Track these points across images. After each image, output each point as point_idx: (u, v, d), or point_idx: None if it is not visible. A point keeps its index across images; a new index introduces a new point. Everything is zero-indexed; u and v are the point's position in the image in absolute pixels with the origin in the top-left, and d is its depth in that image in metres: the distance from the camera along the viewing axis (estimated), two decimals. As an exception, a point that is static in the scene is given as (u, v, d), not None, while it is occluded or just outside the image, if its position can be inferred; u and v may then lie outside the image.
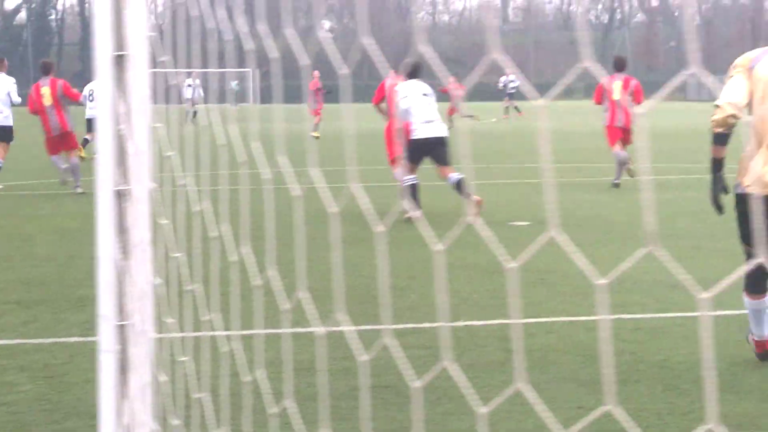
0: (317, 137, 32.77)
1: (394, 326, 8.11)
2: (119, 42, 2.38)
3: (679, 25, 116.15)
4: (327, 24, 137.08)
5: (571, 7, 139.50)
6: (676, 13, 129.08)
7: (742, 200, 6.82)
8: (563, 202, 15.90)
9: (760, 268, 6.01)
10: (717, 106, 6.70)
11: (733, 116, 6.60)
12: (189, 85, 53.35)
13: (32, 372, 7.12)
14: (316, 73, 34.81)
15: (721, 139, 6.73)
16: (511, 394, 6.34)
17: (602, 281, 1.51)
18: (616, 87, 19.14)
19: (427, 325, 8.18)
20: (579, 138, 31.17)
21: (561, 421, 6.04)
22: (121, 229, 2.45)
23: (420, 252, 11.38)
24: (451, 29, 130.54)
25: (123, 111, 2.37)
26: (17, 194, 19.09)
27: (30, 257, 11.82)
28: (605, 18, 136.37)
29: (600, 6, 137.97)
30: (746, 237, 6.83)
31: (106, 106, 2.42)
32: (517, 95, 52.90)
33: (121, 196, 2.43)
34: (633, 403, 6.20)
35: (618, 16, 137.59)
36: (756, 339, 7.04)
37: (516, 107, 52.97)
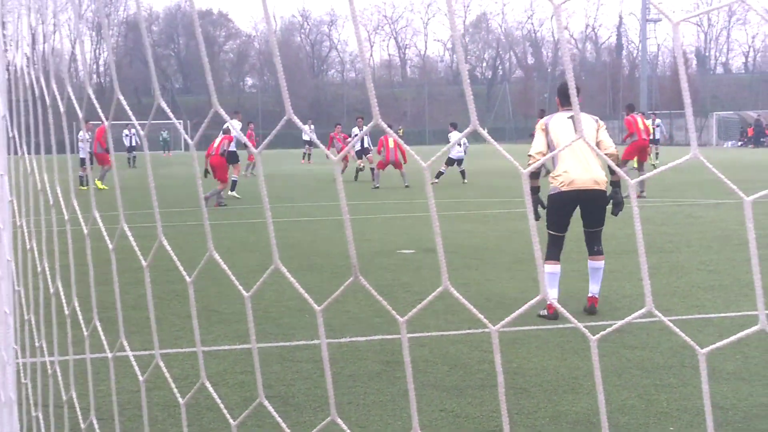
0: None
1: (288, 343, 8.06)
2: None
3: (550, 79, 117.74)
4: (249, 80, 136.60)
5: (459, 65, 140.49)
6: (549, 69, 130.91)
7: (553, 198, 8.87)
8: (444, 232, 15.99)
9: (560, 242, 8.99)
10: (530, 156, 8.83)
11: (537, 161, 8.22)
12: (127, 135, 52.88)
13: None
14: (339, 126, 34.02)
15: (533, 175, 9.09)
16: (386, 400, 6.35)
17: (403, 319, 1.45)
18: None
19: (317, 341, 8.13)
20: (468, 176, 31.36)
21: (425, 423, 6.05)
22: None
23: (314, 277, 11.36)
24: (358, 84, 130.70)
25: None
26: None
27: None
28: (489, 74, 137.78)
29: (484, 64, 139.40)
30: (553, 225, 8.97)
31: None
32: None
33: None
34: (489, 405, 6.21)
35: (500, 72, 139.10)
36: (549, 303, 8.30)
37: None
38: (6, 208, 2.39)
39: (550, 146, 8.85)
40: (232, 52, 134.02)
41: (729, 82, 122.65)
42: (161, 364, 1.59)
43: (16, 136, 2.28)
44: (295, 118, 1.32)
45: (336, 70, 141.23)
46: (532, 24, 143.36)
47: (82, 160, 29.30)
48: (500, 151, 1.25)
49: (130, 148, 50.90)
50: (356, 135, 30.90)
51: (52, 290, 2.27)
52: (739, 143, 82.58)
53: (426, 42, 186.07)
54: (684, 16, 1.21)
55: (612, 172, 9.13)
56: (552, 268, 8.96)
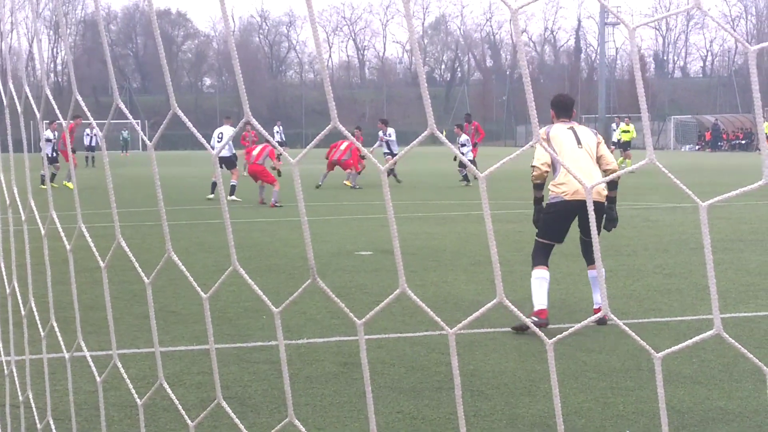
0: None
1: (245, 344, 8.04)
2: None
3: (509, 82, 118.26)
4: (208, 81, 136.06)
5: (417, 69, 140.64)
6: (508, 72, 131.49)
7: (555, 206, 8.69)
8: (402, 233, 16.01)
9: (549, 250, 8.86)
10: (534, 167, 8.60)
11: (546, 171, 8.61)
12: (87, 134, 52.45)
13: None
14: (358, 131, 33.52)
15: (539, 186, 8.79)
16: (343, 402, 6.35)
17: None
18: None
19: (273, 342, 8.11)
20: (422, 177, 31.44)
21: (382, 425, 6.05)
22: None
23: (271, 278, 11.33)
24: (317, 85, 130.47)
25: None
26: None
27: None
28: (448, 76, 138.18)
29: (443, 66, 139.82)
30: (548, 234, 8.82)
31: None
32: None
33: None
34: (446, 407, 6.22)
35: (458, 75, 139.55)
36: (537, 308, 8.55)
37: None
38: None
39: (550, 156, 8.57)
40: (190, 52, 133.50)
41: (687, 86, 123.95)
42: (119, 364, 1.59)
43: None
44: (254, 120, 1.32)
45: (295, 71, 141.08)
46: (491, 26, 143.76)
47: (50, 159, 29.54)
48: (458, 155, 1.26)
49: (90, 148, 50.56)
50: (383, 138, 30.82)
51: (8, 290, 2.25)
52: (697, 147, 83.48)
53: (385, 44, 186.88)
54: (641, 22, 1.22)
55: (610, 187, 9.06)
56: (542, 273, 8.67)
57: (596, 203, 8.65)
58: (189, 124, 1.32)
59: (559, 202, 8.67)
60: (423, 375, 7.03)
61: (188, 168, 46.05)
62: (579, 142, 8.72)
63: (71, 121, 30.40)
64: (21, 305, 2.36)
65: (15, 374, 2.36)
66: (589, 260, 9.00)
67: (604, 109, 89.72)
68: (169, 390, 1.61)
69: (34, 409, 2.40)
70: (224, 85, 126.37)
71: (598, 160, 8.76)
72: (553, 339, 1.18)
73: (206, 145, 1.50)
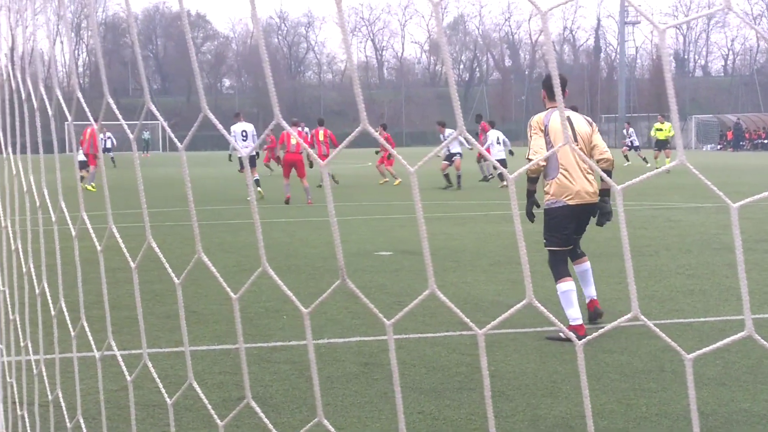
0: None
1: (265, 344, 8.06)
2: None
3: (527, 82, 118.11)
4: (227, 82, 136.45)
5: (437, 67, 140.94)
6: (526, 72, 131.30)
7: (559, 212, 8.39)
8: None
9: (565, 256, 8.52)
10: (529, 159, 8.37)
11: (543, 166, 8.44)
12: (102, 138, 52.70)
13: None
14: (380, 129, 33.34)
15: (533, 180, 8.70)
16: (364, 402, 6.36)
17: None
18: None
19: (294, 343, 8.13)
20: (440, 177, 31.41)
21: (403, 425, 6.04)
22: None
23: (292, 278, 11.35)
24: (335, 86, 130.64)
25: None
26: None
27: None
28: (466, 76, 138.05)
29: (462, 66, 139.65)
30: (557, 240, 8.46)
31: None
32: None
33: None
34: (467, 408, 6.22)
35: (477, 75, 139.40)
36: (572, 324, 8.24)
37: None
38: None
39: (547, 148, 8.31)
40: (209, 53, 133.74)
41: (708, 85, 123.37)
42: (149, 364, 1.60)
43: (0, 138, 2.28)
44: (284, 123, 1.33)
45: (313, 72, 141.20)
46: (510, 26, 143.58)
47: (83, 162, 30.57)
48: (485, 155, 1.27)
49: (106, 150, 50.76)
50: (447, 139, 30.64)
51: (38, 290, 2.27)
52: (718, 147, 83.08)
53: (403, 44, 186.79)
54: (670, 23, 1.22)
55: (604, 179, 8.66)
56: (570, 285, 8.27)
57: (595, 205, 8.48)
58: (220, 126, 1.33)
59: (563, 206, 8.34)
60: (444, 375, 7.03)
61: (207, 168, 46.19)
62: (575, 136, 8.43)
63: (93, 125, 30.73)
64: (50, 305, 2.38)
65: (44, 373, 2.38)
66: (575, 255, 8.68)
67: (624, 108, 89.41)
68: (198, 389, 1.62)
69: (63, 409, 2.41)
70: (243, 86, 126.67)
71: (592, 149, 8.48)
72: (583, 340, 1.18)
73: (237, 146, 1.51)
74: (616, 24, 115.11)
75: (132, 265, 1.70)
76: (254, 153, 25.56)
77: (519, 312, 6.06)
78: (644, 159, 42.32)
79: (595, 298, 8.72)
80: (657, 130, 39.76)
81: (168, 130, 1.38)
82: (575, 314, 8.18)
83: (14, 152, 2.27)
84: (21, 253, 2.40)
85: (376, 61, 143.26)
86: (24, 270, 2.35)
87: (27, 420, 2.44)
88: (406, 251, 13.89)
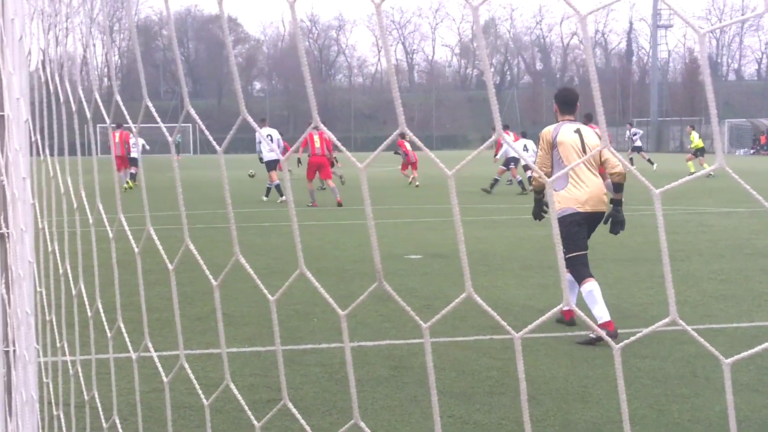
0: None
1: (296, 347, 8.08)
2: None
3: (558, 86, 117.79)
4: (258, 85, 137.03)
5: (467, 70, 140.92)
6: (558, 75, 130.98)
7: (571, 220, 8.44)
8: (451, 238, 16.00)
9: (586, 259, 8.49)
10: (534, 177, 9.18)
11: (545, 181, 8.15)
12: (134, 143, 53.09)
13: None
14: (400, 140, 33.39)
15: (539, 193, 9.10)
16: (394, 405, 6.37)
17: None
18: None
19: (324, 345, 8.15)
20: (472, 182, 31.36)
21: (433, 429, 6.03)
22: (4, 267, 2.40)
23: (322, 281, 11.37)
24: (365, 89, 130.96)
25: (2, 164, 2.33)
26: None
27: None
28: (497, 79, 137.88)
29: (492, 69, 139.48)
30: (574, 246, 8.44)
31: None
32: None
33: (3, 239, 2.39)
34: (497, 412, 6.21)
35: (508, 78, 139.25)
36: (601, 322, 8.20)
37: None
38: (29, 210, 2.41)
39: (556, 162, 8.57)
40: (240, 56, 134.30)
41: (741, 89, 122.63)
42: (186, 365, 1.61)
43: (39, 140, 2.30)
44: (323, 126, 1.33)
45: (344, 75, 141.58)
46: (541, 29, 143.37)
47: (133, 160, 31.72)
48: (524, 159, 1.27)
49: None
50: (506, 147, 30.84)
51: (74, 291, 2.29)
52: (752, 151, 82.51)
53: (434, 47, 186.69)
54: (709, 27, 1.22)
55: (616, 189, 8.61)
56: (593, 285, 8.30)
57: (603, 213, 8.59)
58: (258, 129, 1.34)
59: (573, 214, 8.45)
60: (474, 379, 7.02)
61: (237, 171, 46.32)
62: (584, 149, 8.52)
63: (120, 129, 31.30)
64: (87, 306, 2.40)
65: (80, 374, 2.40)
66: (587, 273, 8.51)
67: (656, 112, 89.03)
68: (235, 390, 1.63)
69: (99, 409, 2.44)
70: (274, 89, 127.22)
71: (603, 163, 8.61)
72: (621, 344, 1.18)
73: (275, 149, 1.51)
74: (649, 27, 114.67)
75: (170, 266, 1.71)
76: (277, 158, 25.70)
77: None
78: (649, 160, 41.96)
79: (610, 319, 8.26)
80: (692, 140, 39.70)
81: (206, 132, 1.39)
82: (601, 312, 8.14)
83: (51, 154, 2.30)
84: (57, 255, 2.42)
85: (406, 65, 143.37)
86: (60, 271, 2.37)
87: (63, 420, 2.46)
88: (436, 254, 13.88)
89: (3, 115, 2.34)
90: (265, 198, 25.91)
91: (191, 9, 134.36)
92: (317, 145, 23.76)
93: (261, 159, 30.72)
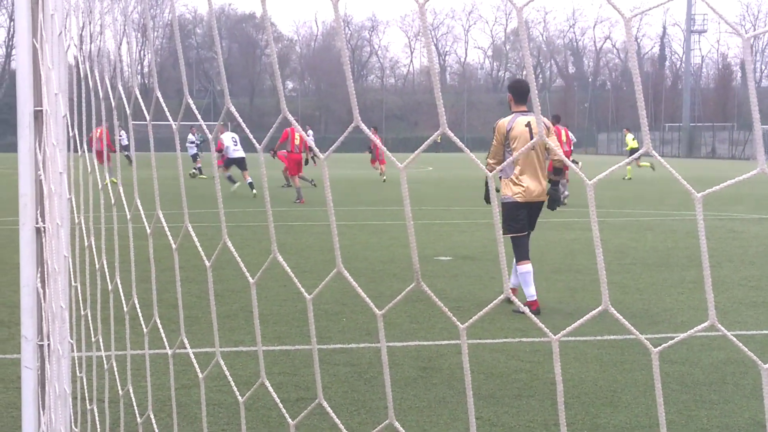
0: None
1: (325, 346, 8.08)
2: (37, 98, 2.36)
3: (591, 90, 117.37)
4: (290, 84, 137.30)
5: (499, 73, 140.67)
6: (590, 79, 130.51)
7: (510, 206, 9.51)
8: (481, 240, 15.98)
9: (524, 241, 9.61)
10: (489, 163, 9.59)
11: (495, 167, 8.70)
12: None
13: None
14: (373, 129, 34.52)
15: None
16: (423, 406, 6.36)
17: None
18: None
19: (353, 345, 8.15)
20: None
21: (462, 431, 6.04)
22: (39, 261, 2.41)
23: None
24: (397, 90, 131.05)
25: (40, 159, 2.34)
26: None
27: None
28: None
29: (524, 72, 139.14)
30: (512, 228, 9.54)
31: (27, 154, 2.40)
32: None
33: (39, 233, 2.40)
34: (525, 415, 6.19)
35: (540, 81, 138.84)
36: (528, 300, 9.56)
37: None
38: (65, 205, 2.43)
39: (507, 153, 9.48)
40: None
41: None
42: (221, 362, 1.62)
43: (77, 135, 2.32)
44: (363, 125, 1.34)
45: (376, 76, 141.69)
46: (574, 33, 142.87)
47: (193, 157, 36.02)
48: (565, 161, 1.26)
49: (124, 147, 51.23)
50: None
51: (110, 287, 2.30)
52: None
53: (466, 49, 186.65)
54: (754, 32, 1.22)
55: (556, 173, 9.99)
56: (527, 267, 9.54)
57: (543, 202, 9.74)
58: (298, 128, 1.34)
59: (512, 203, 9.52)
60: (502, 382, 7.00)
61: (253, 170, 46.45)
62: (532, 138, 9.44)
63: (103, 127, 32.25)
64: (123, 302, 2.42)
65: (115, 369, 2.42)
66: (525, 255, 9.66)
67: (688, 117, 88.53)
68: (270, 389, 1.64)
69: (134, 405, 2.44)
70: (306, 89, 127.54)
71: (547, 151, 9.67)
72: (659, 347, 1.17)
73: (317, 151, 1.52)
74: (682, 32, 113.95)
75: (207, 263, 1.72)
76: (242, 156, 27.84)
77: (574, 320, 6.02)
78: (651, 166, 41.59)
79: (536, 298, 9.62)
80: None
81: (246, 130, 1.39)
82: (532, 291, 9.50)
83: (89, 150, 2.32)
84: (94, 250, 2.44)
85: (438, 66, 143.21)
86: (97, 266, 2.39)
87: (96, 415, 2.48)
88: (465, 256, 13.86)
89: (41, 110, 2.35)
90: (254, 192, 26.97)
91: (225, 8, 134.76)
92: (296, 142, 24.25)
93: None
